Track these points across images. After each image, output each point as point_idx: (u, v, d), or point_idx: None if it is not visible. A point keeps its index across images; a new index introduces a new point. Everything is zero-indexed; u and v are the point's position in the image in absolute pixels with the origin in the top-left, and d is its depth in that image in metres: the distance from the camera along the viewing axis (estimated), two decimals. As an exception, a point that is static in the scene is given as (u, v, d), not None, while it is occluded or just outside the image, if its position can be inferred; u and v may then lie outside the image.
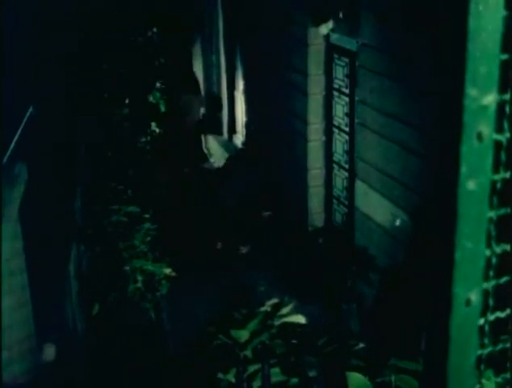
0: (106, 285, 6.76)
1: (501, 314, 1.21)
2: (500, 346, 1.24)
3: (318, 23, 7.65)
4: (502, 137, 1.11)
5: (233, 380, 4.52)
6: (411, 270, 5.86)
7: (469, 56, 1.03)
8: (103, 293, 6.70)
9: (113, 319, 6.69)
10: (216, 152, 11.83)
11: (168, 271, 7.04)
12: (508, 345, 1.27)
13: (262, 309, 4.94)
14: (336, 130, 8.00)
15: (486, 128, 1.06)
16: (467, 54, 1.03)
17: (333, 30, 7.63)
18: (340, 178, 8.05)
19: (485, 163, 1.08)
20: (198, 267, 8.10)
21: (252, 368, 4.50)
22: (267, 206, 9.38)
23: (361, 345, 4.69)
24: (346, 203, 7.92)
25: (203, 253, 8.45)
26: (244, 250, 8.90)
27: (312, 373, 4.48)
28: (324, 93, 8.06)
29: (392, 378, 4.01)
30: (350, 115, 7.53)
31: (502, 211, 1.14)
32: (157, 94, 7.66)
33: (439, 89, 1.13)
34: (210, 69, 12.22)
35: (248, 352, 4.54)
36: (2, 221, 4.81)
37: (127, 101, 7.43)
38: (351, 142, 7.56)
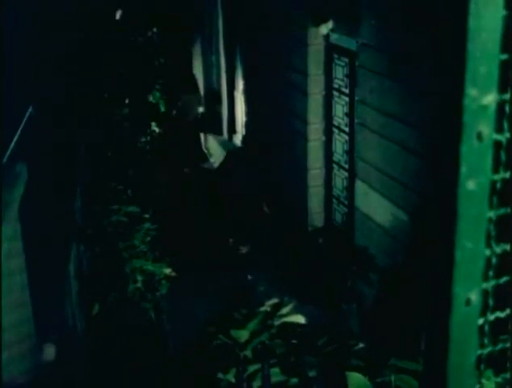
0: (106, 285, 6.76)
1: (500, 314, 1.21)
2: (500, 346, 1.24)
3: (318, 22, 7.65)
4: (502, 137, 1.11)
5: (233, 380, 4.52)
6: (411, 270, 5.86)
7: (469, 56, 1.03)
8: (103, 293, 6.70)
9: (113, 319, 6.69)
10: (215, 152, 11.83)
11: (168, 271, 7.04)
12: (508, 345, 1.27)
13: (262, 309, 4.94)
14: (336, 130, 8.00)
15: (486, 128, 1.06)
16: (467, 54, 1.03)
17: (332, 30, 7.63)
18: (340, 178, 8.05)
19: (485, 163, 1.08)
20: (198, 267, 8.09)
21: (252, 368, 4.50)
22: (267, 205, 9.40)
23: (361, 345, 4.69)
24: (346, 203, 7.92)
25: (203, 253, 8.45)
26: (244, 249, 8.90)
27: (312, 373, 4.48)
28: (324, 93, 8.06)
29: (392, 378, 4.01)
30: (350, 115, 7.53)
31: (502, 211, 1.14)
32: (157, 94, 7.67)
33: (439, 89, 1.13)
34: (210, 69, 12.22)
35: (248, 352, 4.54)
36: (2, 221, 4.81)
37: (127, 101, 7.43)
38: (351, 142, 7.56)
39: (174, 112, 10.97)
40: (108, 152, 7.26)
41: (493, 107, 1.06)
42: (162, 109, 7.73)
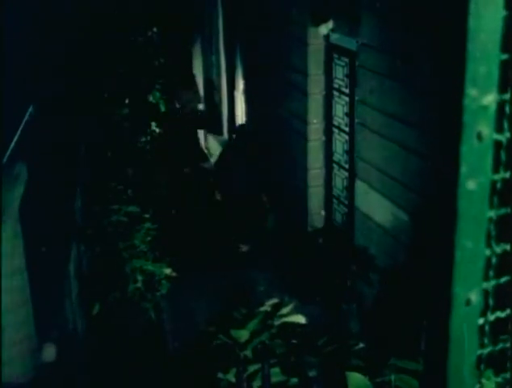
0: (106, 285, 6.76)
1: (501, 314, 1.21)
2: (500, 346, 1.25)
3: (318, 22, 7.65)
4: (502, 137, 1.11)
5: (233, 380, 4.52)
6: (411, 270, 5.86)
7: (469, 57, 1.03)
8: (103, 293, 6.71)
9: (113, 319, 6.69)
10: (216, 152, 11.83)
11: (168, 271, 7.04)
12: (508, 345, 1.27)
13: (262, 309, 4.94)
14: (336, 130, 8.00)
15: (486, 128, 1.06)
16: (467, 54, 1.03)
17: (333, 30, 7.63)
18: (340, 178, 8.05)
19: (485, 163, 1.08)
20: (198, 267, 8.10)
21: (252, 368, 4.50)
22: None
23: (361, 345, 4.69)
24: (346, 203, 7.92)
25: (203, 253, 8.45)
26: (244, 248, 8.91)
27: (312, 373, 4.48)
28: (324, 93, 8.06)
29: (392, 378, 4.02)
30: (350, 115, 7.53)
31: (502, 211, 1.14)
32: (157, 94, 7.66)
33: (439, 89, 1.13)
34: (210, 69, 12.22)
35: (248, 352, 4.54)
36: (2, 221, 4.81)
37: (127, 101, 7.43)
38: (351, 142, 7.56)
39: (175, 106, 10.98)
40: (108, 152, 7.26)
41: (493, 107, 1.06)
42: (162, 109, 7.73)
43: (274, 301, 5.11)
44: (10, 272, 5.17)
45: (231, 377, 4.52)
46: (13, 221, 5.27)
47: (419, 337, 5.18)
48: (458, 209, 1.07)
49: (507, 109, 1.11)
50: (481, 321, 1.16)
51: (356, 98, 7.05)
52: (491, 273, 1.16)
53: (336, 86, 7.85)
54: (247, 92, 10.82)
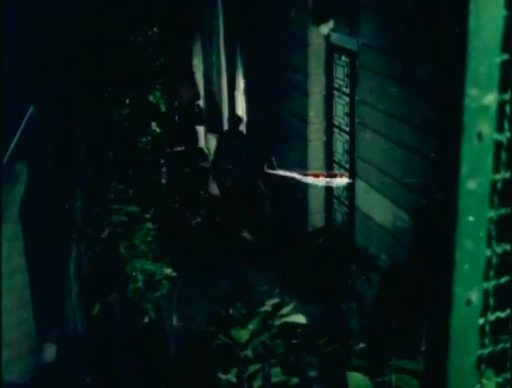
0: (106, 285, 6.76)
1: (501, 314, 1.21)
2: (500, 346, 1.24)
3: (318, 22, 7.65)
4: (503, 137, 1.11)
5: (234, 380, 4.52)
6: (411, 270, 5.86)
7: (469, 56, 1.03)
8: (104, 292, 6.70)
9: (113, 319, 6.69)
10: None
11: (168, 271, 7.04)
12: (508, 345, 1.27)
13: (263, 309, 4.94)
14: (336, 130, 7.99)
15: (486, 128, 1.06)
16: (468, 54, 1.03)
17: (333, 29, 7.63)
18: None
19: (486, 163, 1.08)
20: (198, 267, 8.10)
21: (252, 368, 4.50)
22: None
23: (361, 345, 4.69)
24: (347, 203, 7.92)
25: (204, 253, 8.45)
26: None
27: (312, 373, 4.48)
28: (324, 93, 8.06)
29: (393, 378, 4.02)
30: (351, 114, 7.53)
31: (503, 211, 1.14)
32: (157, 94, 7.66)
33: (439, 89, 1.13)
34: (210, 69, 12.22)
35: (248, 352, 4.54)
36: (3, 221, 4.81)
37: (127, 101, 7.43)
38: (352, 142, 7.55)
39: (175, 105, 10.99)
40: (108, 152, 7.25)
41: (493, 107, 1.06)
42: (162, 109, 7.72)
43: (275, 301, 5.11)
44: (10, 272, 5.17)
45: (231, 377, 4.52)
46: (13, 221, 5.27)
47: (419, 337, 5.18)
48: (458, 209, 1.07)
49: (507, 109, 1.11)
50: (482, 321, 1.16)
51: (356, 98, 7.05)
52: (491, 273, 1.16)
53: (336, 85, 7.85)
54: (247, 92, 10.82)
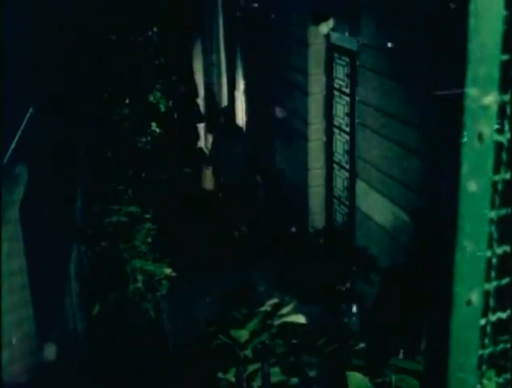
0: (106, 285, 6.76)
1: (502, 315, 1.21)
2: (501, 346, 1.24)
3: (318, 22, 7.65)
4: (503, 138, 1.11)
5: (233, 379, 4.52)
6: (411, 270, 5.86)
7: (469, 57, 1.03)
8: (104, 293, 6.70)
9: (113, 319, 6.69)
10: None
11: (168, 271, 7.04)
12: (509, 345, 1.27)
13: (262, 309, 4.94)
14: (336, 130, 7.99)
15: (487, 129, 1.06)
16: (468, 54, 1.02)
17: (333, 29, 7.63)
18: (340, 178, 8.05)
19: (486, 164, 1.08)
20: (198, 267, 8.10)
21: (252, 367, 4.50)
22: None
23: (361, 345, 4.69)
24: (347, 203, 7.92)
25: (204, 253, 8.45)
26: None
27: (312, 373, 4.48)
28: (324, 93, 8.06)
29: (393, 378, 4.01)
30: (351, 115, 7.53)
31: (503, 211, 1.14)
32: (157, 94, 7.66)
33: (439, 89, 1.13)
34: (210, 68, 12.22)
35: (248, 352, 4.54)
36: (3, 222, 4.81)
37: (127, 101, 7.43)
38: (352, 142, 7.55)
39: (175, 105, 11.01)
40: (108, 152, 7.25)
41: (493, 108, 1.06)
42: (162, 109, 7.72)
43: (275, 301, 5.11)
44: (10, 272, 5.17)
45: (231, 377, 4.52)
46: (13, 221, 5.27)
47: (419, 337, 5.19)
48: (459, 210, 1.07)
49: (508, 110, 1.11)
50: (483, 321, 1.16)
51: (357, 98, 7.05)
52: (492, 274, 1.16)
53: (336, 85, 7.85)
54: (247, 92, 10.82)
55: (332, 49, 7.83)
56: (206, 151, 12.29)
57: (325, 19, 7.59)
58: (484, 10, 1.02)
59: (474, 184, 1.06)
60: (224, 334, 4.62)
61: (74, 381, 6.04)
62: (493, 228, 1.13)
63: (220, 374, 4.57)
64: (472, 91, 1.04)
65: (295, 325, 4.87)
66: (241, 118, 11.36)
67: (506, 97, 1.09)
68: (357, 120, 7.08)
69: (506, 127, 1.11)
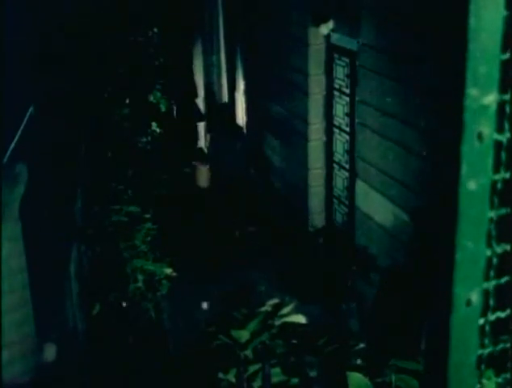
0: (106, 285, 6.76)
1: (501, 314, 1.21)
2: (500, 346, 1.24)
3: (318, 22, 7.65)
4: (503, 137, 1.11)
5: (234, 380, 4.52)
6: (411, 270, 5.86)
7: (469, 56, 1.03)
8: (104, 292, 6.70)
9: (113, 319, 6.69)
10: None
11: (168, 271, 7.04)
12: (508, 345, 1.27)
13: (263, 309, 4.95)
14: (336, 130, 7.99)
15: (487, 128, 1.06)
16: (468, 54, 1.03)
17: (333, 30, 7.63)
18: (340, 178, 8.05)
19: (486, 163, 1.08)
20: (198, 267, 8.10)
21: (252, 368, 4.50)
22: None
23: (361, 345, 4.69)
24: (347, 203, 7.92)
25: (204, 253, 8.45)
26: (244, 248, 8.94)
27: (312, 373, 4.48)
28: (324, 93, 8.06)
29: (393, 378, 4.01)
30: (351, 115, 7.53)
31: (503, 211, 1.14)
32: (158, 94, 7.66)
33: (439, 89, 1.13)
34: (210, 69, 12.22)
35: (248, 352, 4.54)
36: (3, 221, 4.81)
37: (127, 101, 7.43)
38: (352, 142, 7.55)
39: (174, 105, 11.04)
40: (108, 152, 7.25)
41: (493, 107, 1.06)
42: (163, 109, 7.72)
43: (275, 301, 5.11)
44: (10, 272, 5.17)
45: (231, 378, 4.52)
46: (13, 221, 5.27)
47: (419, 337, 5.18)
48: (458, 210, 1.07)
49: (507, 109, 1.11)
50: (482, 321, 1.16)
51: (357, 98, 7.05)
52: (492, 273, 1.16)
53: (336, 86, 7.85)
54: (247, 92, 10.82)
55: (332, 50, 7.83)
56: (206, 151, 12.29)
57: (325, 20, 7.59)
58: (484, 10, 1.02)
59: (474, 184, 1.07)
60: (224, 334, 4.62)
61: (74, 381, 6.05)
62: (493, 227, 1.13)
63: (220, 375, 4.57)
64: (471, 91, 1.04)
65: (295, 325, 4.88)
66: (241, 118, 11.36)
67: (506, 96, 1.10)
68: (357, 120, 7.08)
69: (506, 126, 1.11)
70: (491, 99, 1.05)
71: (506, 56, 1.06)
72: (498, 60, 1.05)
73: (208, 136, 12.29)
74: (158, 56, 8.01)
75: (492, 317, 1.19)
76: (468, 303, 1.11)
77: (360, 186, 7.04)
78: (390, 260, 6.51)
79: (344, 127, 7.79)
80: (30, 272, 5.48)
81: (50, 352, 5.88)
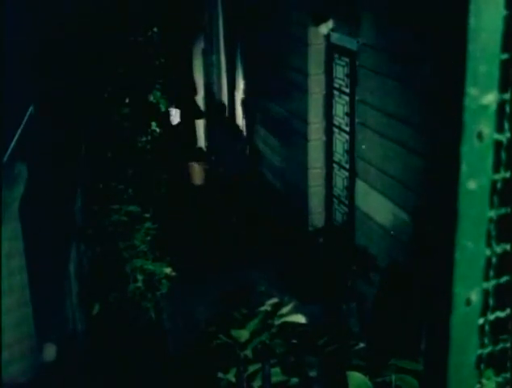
0: (106, 285, 6.76)
1: (501, 314, 1.21)
2: (500, 345, 1.24)
3: (318, 22, 7.65)
4: (503, 137, 1.11)
5: (233, 379, 4.52)
6: (411, 270, 5.86)
7: (469, 56, 1.03)
8: (104, 292, 6.70)
9: (113, 319, 6.69)
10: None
11: (168, 270, 7.04)
12: (508, 345, 1.27)
13: (262, 309, 4.94)
14: (336, 130, 8.00)
15: (486, 128, 1.06)
16: (468, 54, 1.03)
17: (333, 29, 7.63)
18: (340, 177, 8.05)
19: (486, 163, 1.08)
20: (198, 266, 8.10)
21: (252, 367, 4.50)
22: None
23: (361, 345, 4.69)
24: (347, 202, 7.92)
25: (204, 253, 8.46)
26: (244, 248, 8.94)
27: (312, 373, 4.48)
28: (324, 92, 8.06)
29: (393, 378, 4.02)
30: (351, 114, 7.53)
31: (502, 210, 1.14)
32: (157, 94, 7.66)
33: (439, 89, 1.13)
34: (210, 68, 12.22)
35: (248, 352, 4.54)
36: (3, 221, 4.81)
37: (127, 101, 7.43)
38: (352, 142, 7.55)
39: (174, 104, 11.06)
40: (108, 152, 7.25)
41: (493, 107, 1.06)
42: (163, 109, 7.73)
43: (275, 300, 5.11)
44: (10, 272, 5.17)
45: (231, 377, 4.53)
46: (13, 220, 5.27)
47: (419, 337, 5.19)
48: (458, 209, 1.07)
49: (507, 109, 1.11)
50: (481, 321, 1.16)
51: (356, 97, 7.05)
52: (491, 273, 1.16)
53: (336, 85, 7.85)
54: (248, 92, 10.82)
55: (332, 49, 7.83)
56: (205, 150, 12.29)
57: (324, 20, 7.59)
58: (484, 10, 1.02)
59: (473, 183, 1.07)
60: (224, 334, 4.63)
61: (74, 381, 6.05)
62: (492, 227, 1.13)
63: (220, 374, 4.57)
64: (471, 91, 1.04)
65: (295, 325, 4.88)
66: (241, 118, 11.36)
67: (506, 96, 1.10)
68: (357, 120, 7.08)
69: (506, 126, 1.11)
70: (491, 98, 1.05)
71: (506, 55, 1.06)
72: (498, 60, 1.05)
73: (208, 135, 12.30)
74: (158, 56, 8.01)
75: (491, 316, 1.19)
76: (468, 303, 1.11)
77: (360, 186, 7.04)
78: (390, 260, 6.51)
79: (344, 127, 7.79)
80: (29, 271, 5.48)
81: (50, 352, 5.88)
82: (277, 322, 4.79)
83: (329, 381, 4.40)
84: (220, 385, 4.54)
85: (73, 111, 7.03)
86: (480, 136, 1.06)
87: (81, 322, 6.67)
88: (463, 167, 1.06)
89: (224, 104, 11.73)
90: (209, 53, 12.14)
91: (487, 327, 1.18)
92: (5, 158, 4.95)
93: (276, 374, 4.46)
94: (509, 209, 1.15)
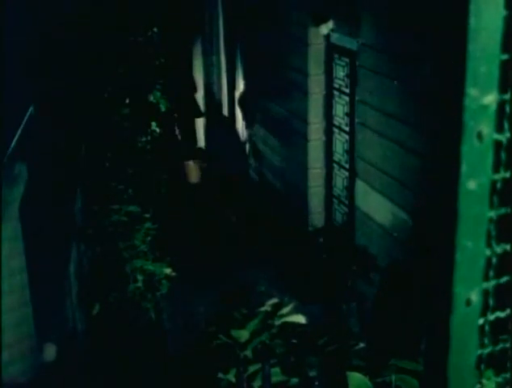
0: (106, 285, 6.76)
1: (501, 314, 1.21)
2: (500, 346, 1.24)
3: (318, 22, 7.65)
4: (502, 137, 1.11)
5: (233, 380, 4.52)
6: (411, 270, 5.86)
7: (469, 56, 1.03)
8: (103, 293, 6.71)
9: (113, 319, 6.69)
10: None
11: (168, 270, 7.04)
12: (508, 345, 1.27)
13: (262, 309, 4.94)
14: (336, 130, 8.00)
15: (486, 128, 1.06)
16: (468, 54, 1.03)
17: (333, 30, 7.63)
18: (340, 177, 8.05)
19: (486, 163, 1.08)
20: (198, 266, 8.10)
21: (252, 368, 4.50)
22: (267, 206, 9.49)
23: (361, 345, 4.69)
24: (347, 202, 7.92)
25: (204, 253, 8.45)
26: (244, 248, 8.94)
27: (312, 373, 4.48)
28: (324, 93, 8.06)
29: (393, 378, 4.02)
30: (351, 114, 7.53)
31: (502, 210, 1.14)
32: (157, 94, 7.66)
33: (439, 89, 1.13)
34: (210, 68, 12.22)
35: (248, 352, 4.54)
36: (3, 221, 4.81)
37: (127, 101, 7.43)
38: (351, 142, 7.55)
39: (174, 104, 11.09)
40: (108, 152, 7.25)
41: (493, 107, 1.06)
42: (163, 109, 7.73)
43: (275, 301, 5.11)
44: (10, 272, 5.18)
45: (231, 377, 4.52)
46: (13, 220, 5.27)
47: (419, 337, 5.18)
48: (458, 209, 1.07)
49: (507, 109, 1.11)
50: (481, 321, 1.16)
51: (356, 98, 7.05)
52: (491, 273, 1.16)
53: (336, 85, 7.85)
54: (247, 92, 10.82)
55: (332, 49, 7.83)
56: (205, 150, 12.29)
57: (324, 20, 7.58)
58: (484, 10, 1.02)
59: (473, 183, 1.07)
60: (224, 334, 4.63)
61: (74, 381, 6.05)
62: (492, 227, 1.13)
63: (220, 374, 4.57)
64: (471, 91, 1.04)
65: (295, 325, 4.88)
66: (240, 117, 11.36)
67: (506, 96, 1.10)
68: (357, 120, 7.08)
69: (506, 126, 1.11)
70: (491, 98, 1.05)
71: (506, 55, 1.06)
72: (498, 60, 1.05)
73: (207, 135, 12.30)
74: (158, 56, 8.01)
75: (491, 317, 1.19)
76: (468, 303, 1.11)
77: (360, 186, 7.04)
78: (390, 260, 6.51)
79: (344, 127, 7.79)
80: (30, 272, 5.48)
81: (50, 352, 5.88)
82: (277, 322, 4.79)
83: (329, 381, 4.40)
84: (220, 385, 4.54)
85: (73, 111, 7.03)
86: (480, 136, 1.06)
87: (81, 322, 6.67)
88: (463, 167, 1.06)
89: (223, 104, 11.75)
90: (209, 53, 12.14)
91: (487, 327, 1.18)
92: (5, 158, 4.95)
93: (276, 374, 4.46)
94: (509, 209, 1.15)
